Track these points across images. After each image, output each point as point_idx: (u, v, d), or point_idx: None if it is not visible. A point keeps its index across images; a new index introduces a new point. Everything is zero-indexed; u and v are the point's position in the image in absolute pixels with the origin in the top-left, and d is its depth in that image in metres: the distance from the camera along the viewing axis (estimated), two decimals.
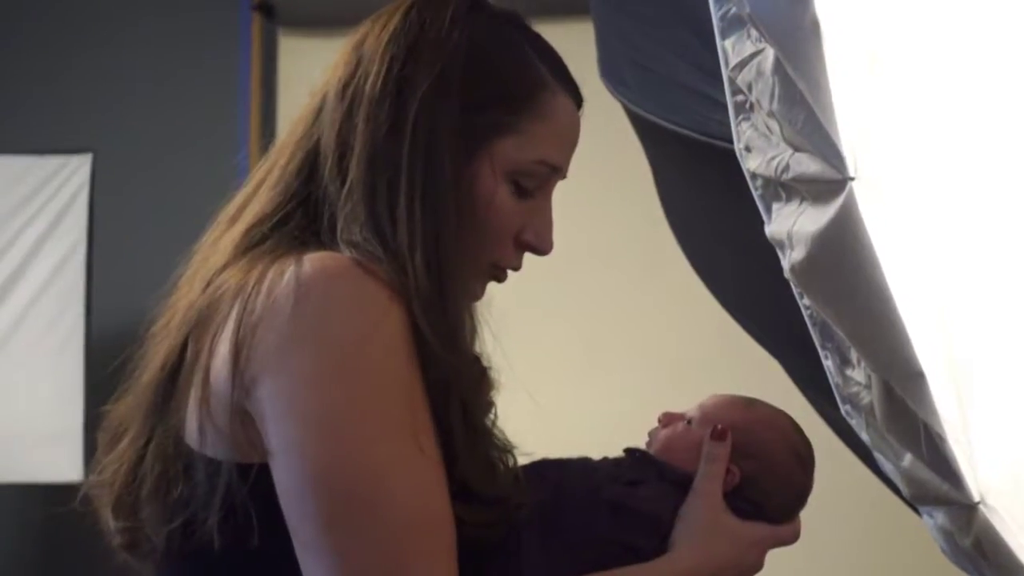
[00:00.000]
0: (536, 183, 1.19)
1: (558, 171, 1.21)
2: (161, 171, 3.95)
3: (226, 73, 4.00)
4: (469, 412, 1.13)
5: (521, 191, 1.19)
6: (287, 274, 1.09)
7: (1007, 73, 1.17)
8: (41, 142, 3.90)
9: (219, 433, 1.10)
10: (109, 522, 1.20)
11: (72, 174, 3.83)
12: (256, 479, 1.09)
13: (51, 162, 3.84)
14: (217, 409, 1.10)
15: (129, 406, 1.21)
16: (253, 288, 1.10)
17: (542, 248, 1.21)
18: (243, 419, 1.09)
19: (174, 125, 3.99)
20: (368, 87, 1.18)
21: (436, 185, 1.15)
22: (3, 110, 4.03)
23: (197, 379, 1.12)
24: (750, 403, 1.27)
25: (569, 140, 1.22)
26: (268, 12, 4.02)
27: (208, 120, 3.97)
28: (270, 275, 1.10)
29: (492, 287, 1.22)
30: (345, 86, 1.20)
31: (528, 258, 1.23)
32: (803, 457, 1.25)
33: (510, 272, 1.21)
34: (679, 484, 1.21)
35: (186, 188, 3.49)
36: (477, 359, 1.19)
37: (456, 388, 1.11)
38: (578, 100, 1.23)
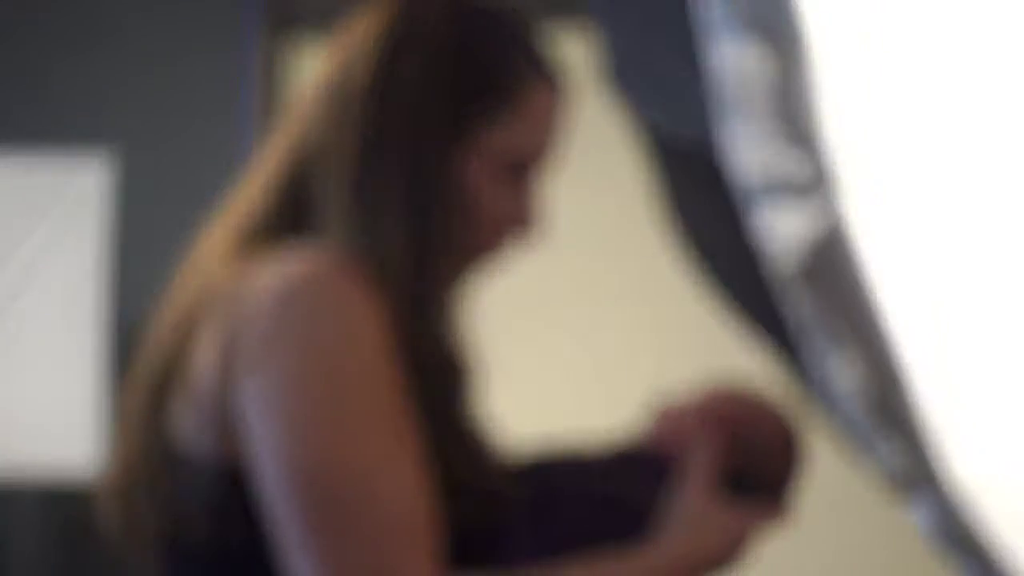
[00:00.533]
0: (520, 170, 1.20)
1: (541, 157, 1.22)
2: (174, 168, 3.95)
3: (231, 74, 4.00)
4: (453, 407, 1.13)
5: (507, 179, 1.19)
6: (272, 276, 1.09)
7: (1007, 71, 1.17)
8: (57, 138, 3.89)
9: (204, 433, 1.11)
10: (111, 519, 1.22)
11: (90, 170, 3.83)
12: (240, 479, 1.10)
13: (69, 158, 3.84)
14: (203, 409, 1.11)
15: (128, 404, 1.21)
16: (239, 289, 1.11)
17: (529, 232, 1.21)
18: (227, 420, 1.10)
19: (179, 126, 3.99)
20: (354, 82, 1.19)
21: (421, 180, 1.16)
22: (18, 105, 4.03)
23: (185, 379, 1.12)
24: (744, 390, 1.27)
25: (550, 127, 1.23)
26: (275, 14, 4.02)
27: (214, 121, 3.96)
28: (256, 276, 1.10)
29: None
30: (332, 82, 1.20)
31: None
32: (794, 444, 1.25)
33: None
34: (670, 474, 1.21)
35: (194, 185, 3.50)
36: (462, 352, 1.19)
37: (439, 384, 1.11)
38: (561, 86, 1.23)
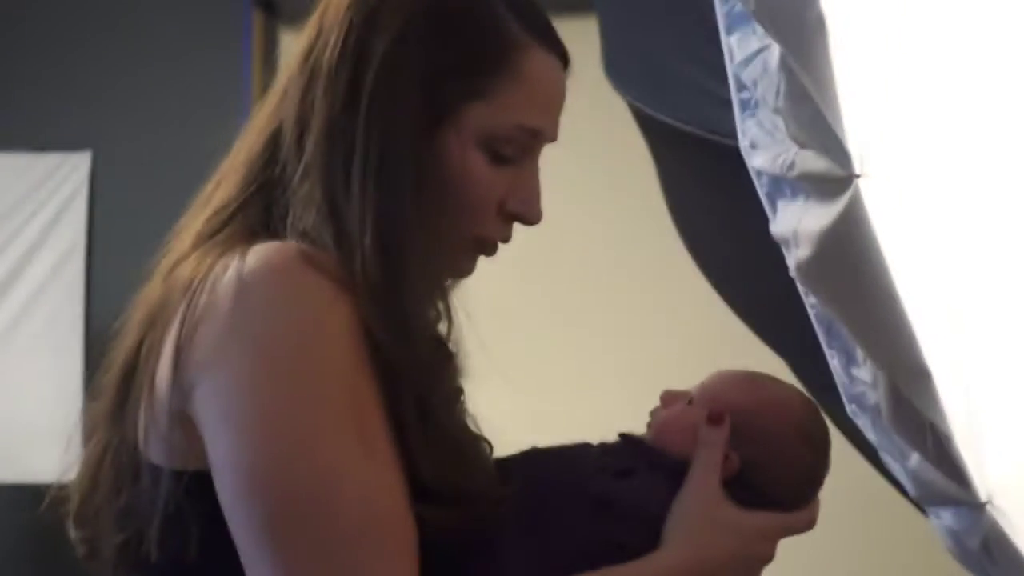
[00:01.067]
0: (516, 149, 1.10)
1: (540, 135, 1.12)
2: (161, 168, 3.95)
3: (228, 70, 4.00)
4: (426, 405, 1.04)
5: (500, 159, 1.09)
6: (230, 269, 1.03)
7: (1021, 68, 1.16)
8: (40, 139, 3.90)
9: (161, 438, 1.03)
10: (71, 531, 1.16)
11: (72, 171, 3.83)
12: (195, 487, 1.03)
13: (50, 159, 3.84)
14: (159, 412, 1.04)
15: (97, 407, 1.16)
16: (199, 284, 1.04)
17: (529, 217, 1.11)
18: (183, 423, 1.02)
19: (175, 123, 3.99)
20: (326, 58, 1.09)
21: (392, 161, 1.06)
22: (2, 107, 4.03)
23: (145, 380, 1.07)
24: (755, 380, 1.17)
25: (550, 101, 1.12)
26: (269, 9, 4.02)
27: (210, 118, 3.96)
28: (216, 270, 1.04)
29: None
30: (305, 59, 1.12)
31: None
32: (813, 438, 1.15)
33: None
34: (673, 473, 1.14)
35: (187, 185, 3.48)
36: (439, 346, 1.11)
37: (409, 380, 1.03)
38: (562, 57, 1.14)
